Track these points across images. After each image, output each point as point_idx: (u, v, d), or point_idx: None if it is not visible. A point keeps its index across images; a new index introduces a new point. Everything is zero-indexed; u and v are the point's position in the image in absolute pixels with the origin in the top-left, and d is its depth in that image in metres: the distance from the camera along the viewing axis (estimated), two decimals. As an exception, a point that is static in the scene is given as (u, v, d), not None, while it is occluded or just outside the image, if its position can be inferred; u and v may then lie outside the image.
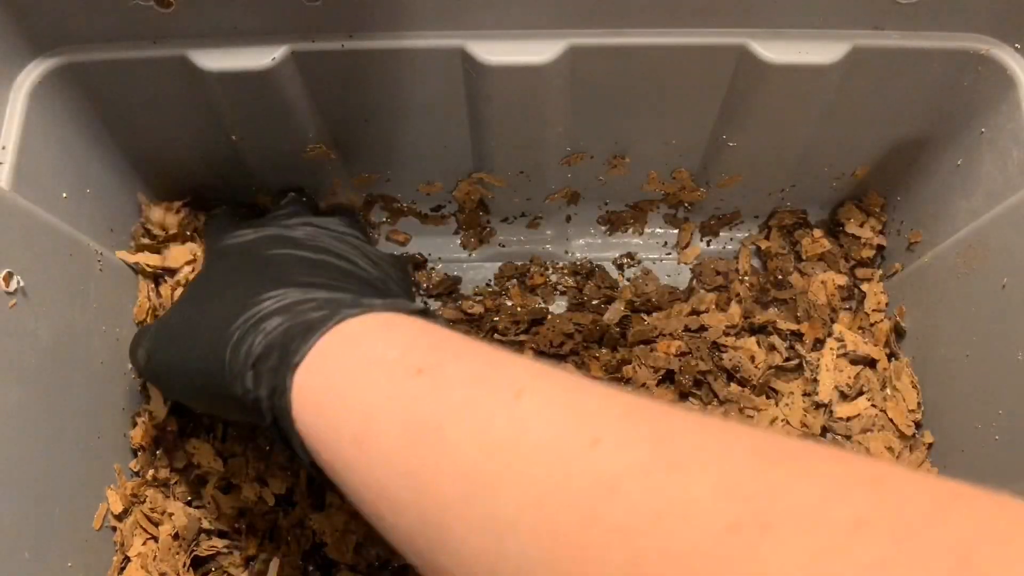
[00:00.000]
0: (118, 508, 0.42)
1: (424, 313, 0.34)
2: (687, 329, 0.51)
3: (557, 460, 0.22)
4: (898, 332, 0.51)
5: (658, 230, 0.56)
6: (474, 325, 0.52)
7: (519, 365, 0.27)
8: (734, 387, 0.50)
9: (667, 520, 0.19)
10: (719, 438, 0.21)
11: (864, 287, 0.53)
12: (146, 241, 0.48)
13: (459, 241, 0.56)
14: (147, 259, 0.47)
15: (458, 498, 0.23)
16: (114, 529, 0.43)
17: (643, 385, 0.49)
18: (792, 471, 0.19)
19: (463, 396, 0.25)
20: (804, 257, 0.54)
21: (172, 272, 0.48)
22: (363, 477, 0.27)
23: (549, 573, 0.21)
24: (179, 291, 0.48)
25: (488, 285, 0.55)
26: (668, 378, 0.50)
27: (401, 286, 0.45)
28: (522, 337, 0.51)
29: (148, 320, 0.47)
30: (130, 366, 0.46)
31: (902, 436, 0.48)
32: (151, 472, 0.45)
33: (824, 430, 0.49)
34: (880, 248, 0.53)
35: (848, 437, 0.48)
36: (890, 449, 0.48)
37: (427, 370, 0.27)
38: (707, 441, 0.21)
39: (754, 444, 0.21)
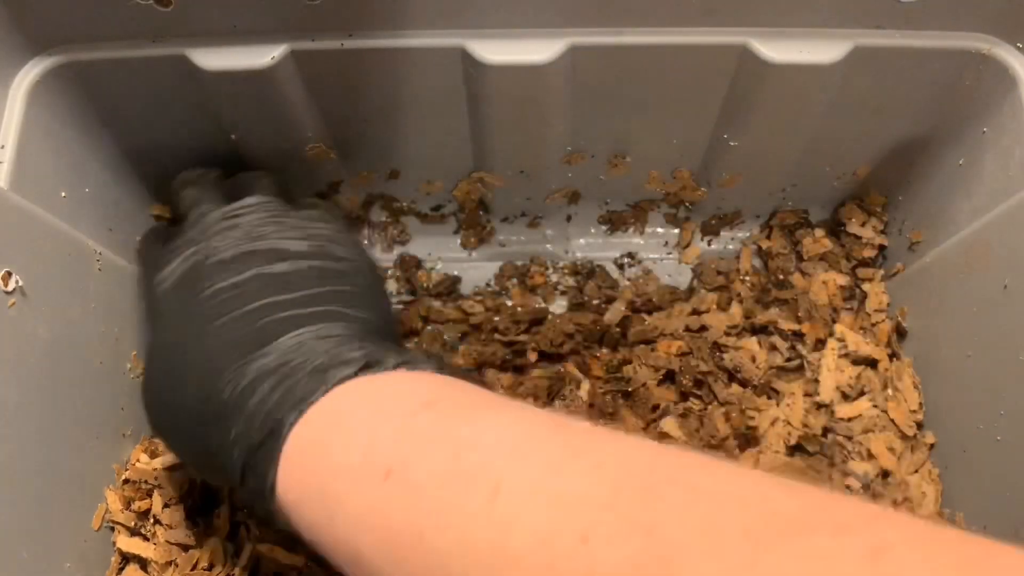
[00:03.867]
0: (117, 508, 0.42)
1: (404, 357, 0.31)
2: (688, 329, 0.51)
3: (546, 563, 0.21)
4: (900, 332, 0.51)
5: (659, 230, 0.56)
6: (474, 327, 0.52)
7: (493, 443, 0.25)
8: (735, 387, 0.49)
9: None
10: (710, 519, 0.20)
11: (865, 287, 0.52)
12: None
13: (459, 241, 0.56)
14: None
15: None
16: (113, 529, 0.43)
17: (643, 385, 0.49)
18: (787, 555, 0.18)
19: (438, 500, 0.24)
20: (805, 257, 0.54)
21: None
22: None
23: None
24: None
25: (488, 285, 0.55)
26: (669, 378, 0.50)
27: (374, 287, 0.40)
28: (522, 337, 0.51)
29: None
30: (129, 364, 0.46)
31: (903, 436, 0.48)
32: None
33: (825, 431, 0.49)
34: (882, 248, 0.53)
35: (849, 437, 0.48)
36: (891, 450, 0.48)
37: (395, 471, 0.25)
38: (698, 525, 0.20)
39: (746, 524, 0.19)
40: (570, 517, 0.21)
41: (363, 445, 0.27)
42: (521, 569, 0.21)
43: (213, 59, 0.40)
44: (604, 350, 0.51)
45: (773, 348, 0.51)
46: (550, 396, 0.49)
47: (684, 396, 0.50)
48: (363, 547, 0.25)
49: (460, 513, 0.23)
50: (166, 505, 0.44)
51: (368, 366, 0.30)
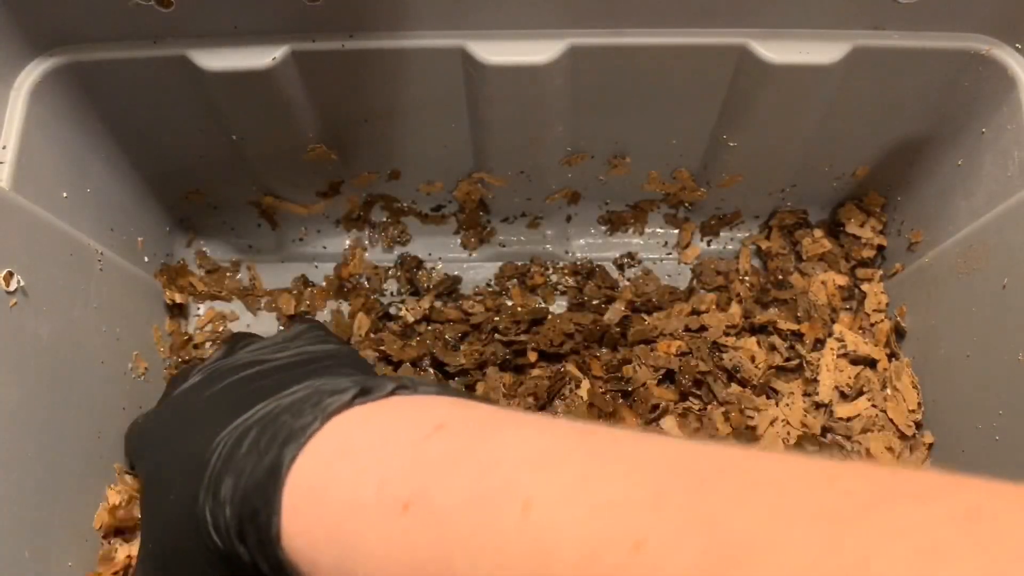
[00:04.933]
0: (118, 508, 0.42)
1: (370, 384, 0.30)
2: (687, 329, 0.51)
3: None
4: (898, 332, 0.51)
5: (658, 230, 0.56)
6: (475, 327, 0.52)
7: (516, 460, 0.23)
8: (734, 387, 0.50)
9: None
10: (776, 505, 0.18)
11: (864, 287, 0.53)
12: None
13: (459, 241, 0.56)
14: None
15: None
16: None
17: (643, 385, 0.49)
18: (874, 529, 0.16)
19: (465, 525, 0.22)
20: (804, 257, 0.54)
21: None
22: None
23: None
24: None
25: (488, 285, 0.55)
26: (668, 378, 0.50)
27: (359, 361, 0.43)
28: (522, 337, 0.51)
29: None
30: (130, 364, 0.46)
31: (902, 436, 0.48)
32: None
33: (824, 430, 0.49)
34: (880, 248, 0.53)
35: (848, 437, 0.48)
36: (890, 449, 0.48)
37: (414, 503, 0.23)
38: (764, 513, 0.18)
39: (816, 507, 0.17)
40: (616, 524, 0.19)
41: (375, 478, 0.25)
42: None
43: (214, 60, 0.40)
44: (604, 350, 0.51)
45: (772, 348, 0.51)
46: (550, 396, 0.50)
47: (684, 396, 0.50)
48: None
49: (492, 534, 0.21)
50: None
51: (364, 392, 0.29)
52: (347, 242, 0.56)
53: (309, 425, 0.28)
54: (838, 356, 0.50)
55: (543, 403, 0.49)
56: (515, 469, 0.22)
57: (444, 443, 0.25)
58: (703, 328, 0.51)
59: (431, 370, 0.51)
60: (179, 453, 0.34)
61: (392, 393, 0.29)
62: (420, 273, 0.55)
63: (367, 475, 0.25)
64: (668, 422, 0.48)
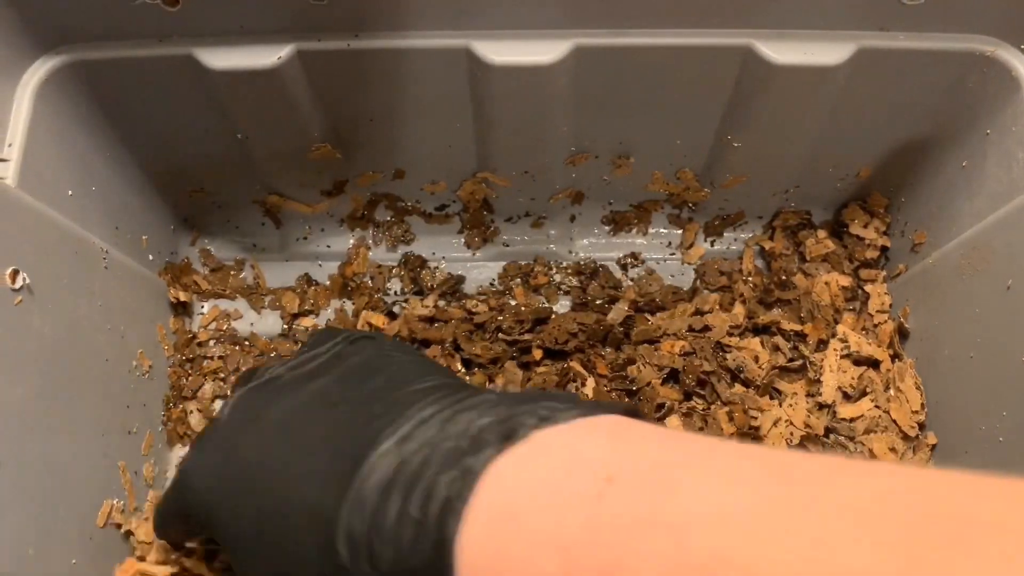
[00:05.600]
0: (122, 506, 0.42)
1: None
2: (691, 329, 0.51)
3: None
4: (902, 333, 0.51)
5: (662, 230, 0.56)
6: (478, 327, 0.52)
7: (714, 520, 0.20)
8: (738, 387, 0.50)
9: None
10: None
11: (868, 288, 0.53)
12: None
13: (463, 240, 0.56)
14: None
15: None
16: (118, 527, 0.43)
17: (648, 384, 0.49)
18: None
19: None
20: (808, 258, 0.54)
21: None
22: None
23: None
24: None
25: (492, 285, 0.55)
26: (672, 378, 0.50)
27: (420, 357, 0.38)
28: (526, 336, 0.51)
29: None
30: (135, 362, 0.46)
31: (905, 437, 0.48)
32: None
33: (827, 431, 0.49)
34: (884, 249, 0.53)
35: (851, 438, 0.48)
36: (893, 450, 0.48)
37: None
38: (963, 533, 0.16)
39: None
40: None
41: (556, 547, 0.22)
42: None
43: (220, 59, 0.40)
44: (608, 349, 0.51)
45: (776, 348, 0.51)
46: (554, 395, 0.50)
47: (687, 395, 0.50)
48: None
49: None
50: None
51: (507, 436, 0.25)
52: (351, 241, 0.56)
53: (461, 488, 0.25)
54: (841, 357, 0.50)
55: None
56: (717, 529, 0.20)
57: (621, 501, 0.22)
58: (707, 328, 0.51)
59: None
60: (286, 505, 0.29)
61: (535, 429, 0.26)
62: (424, 272, 0.55)
63: (546, 546, 0.22)
64: (673, 421, 0.48)
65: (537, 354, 0.50)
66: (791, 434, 0.48)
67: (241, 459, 0.32)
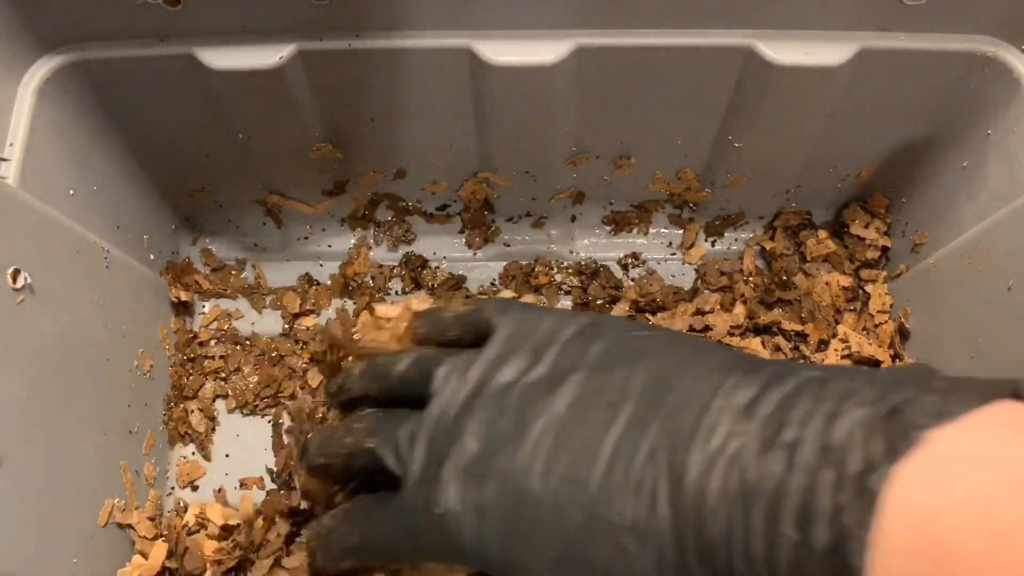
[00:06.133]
0: (123, 505, 0.43)
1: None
2: (692, 329, 0.51)
3: None
4: (902, 333, 0.51)
5: (663, 230, 0.56)
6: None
7: None
8: (738, 388, 0.50)
9: None
10: None
11: (869, 288, 0.53)
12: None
13: (464, 240, 0.56)
14: None
15: None
16: (119, 526, 0.43)
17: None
18: None
19: None
20: (809, 258, 0.54)
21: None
22: None
23: None
24: None
25: (493, 284, 0.55)
26: (672, 378, 0.50)
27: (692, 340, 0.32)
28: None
29: None
30: (136, 362, 0.46)
31: (906, 437, 0.48)
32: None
33: (828, 431, 0.49)
34: (885, 249, 0.53)
35: (852, 438, 0.48)
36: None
37: None
38: None
39: None
40: None
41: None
42: None
43: (221, 58, 0.40)
44: (608, 350, 0.51)
45: (776, 348, 0.51)
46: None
47: (687, 396, 0.50)
48: None
49: None
50: None
51: (897, 442, 0.22)
52: (352, 241, 0.56)
53: (861, 511, 0.21)
54: (842, 357, 0.50)
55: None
56: None
57: None
58: (707, 328, 0.51)
59: None
60: (591, 529, 0.26)
61: (926, 427, 0.22)
62: (424, 272, 0.55)
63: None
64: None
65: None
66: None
67: (517, 487, 0.27)
